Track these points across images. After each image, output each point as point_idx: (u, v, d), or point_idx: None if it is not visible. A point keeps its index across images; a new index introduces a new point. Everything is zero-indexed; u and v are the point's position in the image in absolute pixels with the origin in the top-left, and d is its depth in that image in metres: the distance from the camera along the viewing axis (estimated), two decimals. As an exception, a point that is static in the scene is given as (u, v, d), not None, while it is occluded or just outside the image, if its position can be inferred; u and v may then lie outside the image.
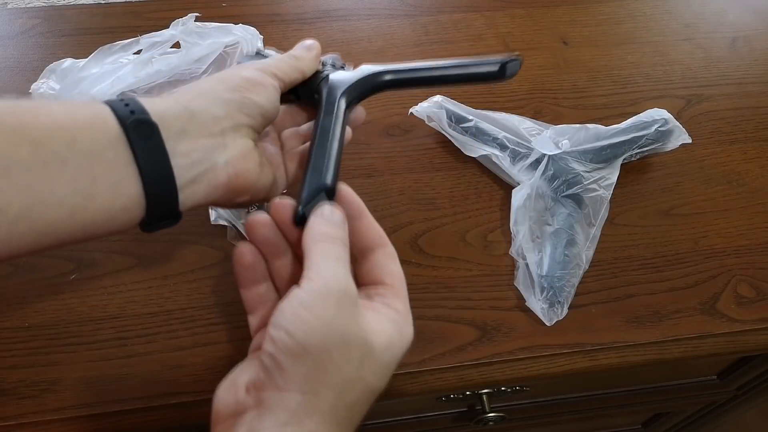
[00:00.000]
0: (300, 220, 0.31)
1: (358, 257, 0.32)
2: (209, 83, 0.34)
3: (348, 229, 0.31)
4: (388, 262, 0.32)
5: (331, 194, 0.32)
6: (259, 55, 0.44)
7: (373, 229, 0.32)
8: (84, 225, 0.28)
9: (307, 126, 0.41)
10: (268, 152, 0.39)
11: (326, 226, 0.30)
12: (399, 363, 0.30)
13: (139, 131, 0.29)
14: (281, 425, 0.26)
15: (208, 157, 0.32)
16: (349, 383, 0.28)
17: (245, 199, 0.35)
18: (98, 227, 0.29)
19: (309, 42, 0.40)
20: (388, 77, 0.40)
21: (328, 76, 0.39)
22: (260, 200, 0.37)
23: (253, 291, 0.34)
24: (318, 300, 0.28)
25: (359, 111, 0.41)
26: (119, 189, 0.29)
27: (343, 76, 0.39)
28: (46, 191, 0.27)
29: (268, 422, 0.27)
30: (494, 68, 0.39)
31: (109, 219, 0.29)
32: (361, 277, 0.32)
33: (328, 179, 0.33)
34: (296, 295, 0.28)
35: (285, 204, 0.32)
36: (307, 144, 0.40)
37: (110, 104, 0.30)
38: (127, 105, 0.30)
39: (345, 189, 0.32)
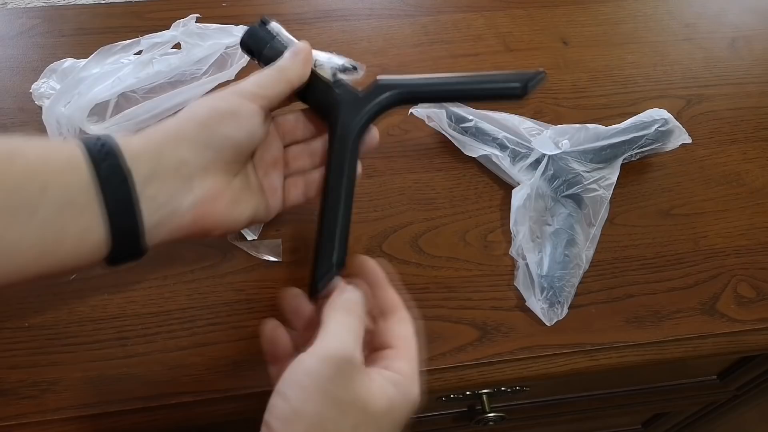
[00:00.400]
0: (314, 295, 0.35)
1: (376, 320, 0.34)
2: (179, 121, 0.33)
3: (368, 295, 0.34)
4: (398, 326, 0.33)
5: (340, 266, 0.35)
6: (263, 25, 0.40)
7: (389, 296, 0.34)
8: (50, 266, 0.29)
9: (318, 144, 0.40)
10: (263, 178, 0.38)
11: (346, 301, 0.33)
12: (403, 424, 0.31)
13: (111, 179, 0.30)
14: None
15: (173, 201, 0.32)
16: None
17: (216, 234, 0.35)
18: (64, 267, 0.30)
19: (296, 47, 0.38)
20: (405, 96, 0.38)
21: (339, 101, 0.38)
22: (237, 230, 0.38)
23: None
24: (320, 365, 0.29)
25: (373, 135, 0.40)
26: (87, 234, 0.30)
27: (356, 105, 0.38)
28: (15, 238, 0.27)
29: None
30: (516, 87, 0.37)
31: (75, 260, 0.30)
32: (373, 341, 0.34)
33: (336, 257, 0.35)
34: (301, 361, 0.29)
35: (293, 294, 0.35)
36: (316, 176, 0.39)
37: (86, 146, 0.30)
38: (102, 146, 0.30)
39: (366, 261, 0.35)
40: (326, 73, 0.39)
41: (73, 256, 0.30)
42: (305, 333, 0.34)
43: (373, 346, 0.33)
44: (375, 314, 0.34)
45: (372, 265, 0.35)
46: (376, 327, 0.34)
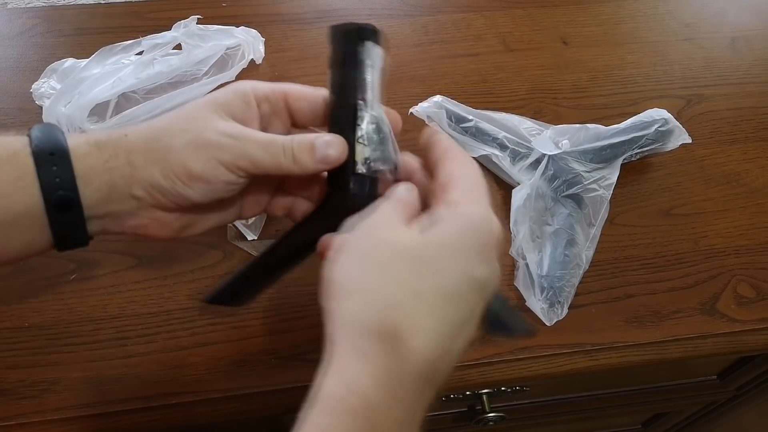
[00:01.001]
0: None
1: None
2: (147, 158, 0.31)
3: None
4: (449, 165, 0.31)
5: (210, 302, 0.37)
6: (362, 37, 0.33)
7: (438, 143, 0.33)
8: None
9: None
10: (245, 197, 0.36)
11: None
12: (465, 250, 0.28)
13: (60, 208, 0.29)
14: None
15: (118, 222, 0.32)
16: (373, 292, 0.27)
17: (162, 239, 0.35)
18: (9, 262, 0.31)
19: (332, 141, 0.32)
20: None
21: (345, 200, 0.32)
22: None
23: None
24: (354, 236, 0.29)
25: (395, 119, 0.35)
26: (33, 244, 0.30)
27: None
28: None
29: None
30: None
31: (19, 258, 0.31)
32: (433, 190, 0.32)
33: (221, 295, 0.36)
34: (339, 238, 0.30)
35: None
36: (303, 206, 0.37)
37: (37, 166, 0.29)
38: (55, 167, 0.29)
39: (429, 131, 0.34)
40: (360, 153, 0.32)
41: (22, 255, 0.31)
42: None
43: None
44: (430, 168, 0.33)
45: (427, 132, 0.33)
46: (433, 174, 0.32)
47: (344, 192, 0.32)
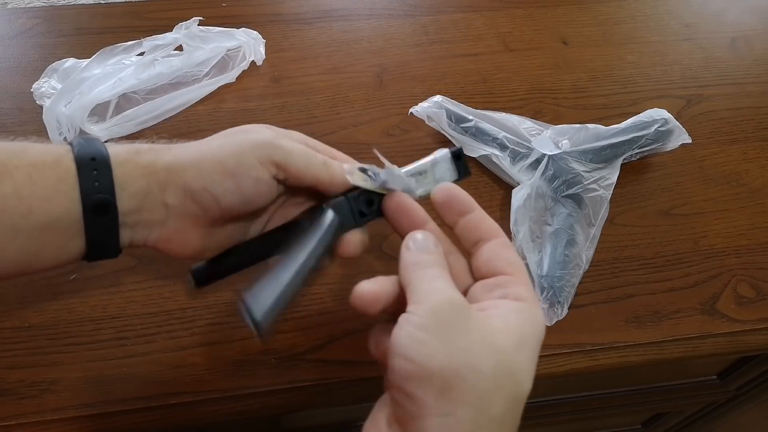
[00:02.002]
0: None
1: (472, 251, 0.32)
2: (185, 161, 0.32)
3: (461, 225, 0.32)
4: (504, 250, 0.30)
5: (259, 328, 0.29)
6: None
7: (484, 220, 0.31)
8: (30, 269, 0.31)
9: None
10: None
11: (419, 254, 0.30)
12: (538, 354, 0.28)
13: (97, 211, 0.30)
14: None
15: (146, 232, 0.32)
16: (488, 395, 0.26)
17: (185, 257, 0.34)
18: (43, 269, 0.31)
19: (342, 164, 0.34)
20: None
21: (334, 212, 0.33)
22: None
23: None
24: (430, 317, 0.26)
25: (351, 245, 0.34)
26: (65, 250, 0.31)
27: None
28: None
29: None
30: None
31: (54, 265, 0.31)
32: (478, 270, 0.31)
33: (262, 317, 0.29)
34: (407, 320, 0.27)
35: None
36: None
37: (79, 171, 0.30)
38: (95, 172, 0.30)
39: (451, 187, 0.32)
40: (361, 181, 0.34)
41: (52, 263, 0.31)
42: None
43: (478, 275, 0.31)
44: (468, 246, 0.31)
45: (458, 191, 0.32)
46: (478, 254, 0.31)
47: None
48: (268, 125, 0.35)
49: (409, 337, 0.26)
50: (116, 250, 0.32)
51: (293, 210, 0.36)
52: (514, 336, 0.27)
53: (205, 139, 0.33)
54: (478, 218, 0.32)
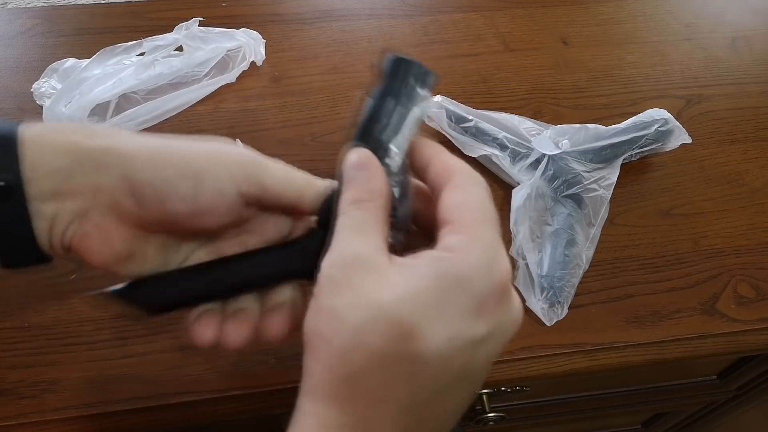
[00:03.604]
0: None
1: (434, 199, 0.28)
2: (140, 148, 0.27)
3: (428, 182, 0.28)
4: (450, 196, 0.27)
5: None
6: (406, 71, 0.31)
7: (442, 163, 0.28)
8: None
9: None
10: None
11: (347, 191, 0.27)
12: (468, 310, 0.24)
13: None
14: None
15: (66, 227, 0.28)
16: (345, 351, 0.23)
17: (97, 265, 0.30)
18: None
19: (317, 183, 0.30)
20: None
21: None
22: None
23: None
24: (324, 279, 0.25)
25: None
26: None
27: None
28: None
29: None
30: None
31: None
32: (436, 222, 0.27)
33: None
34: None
35: None
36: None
37: None
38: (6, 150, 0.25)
39: (421, 141, 0.29)
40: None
41: None
42: None
43: (437, 227, 0.27)
44: (433, 194, 0.28)
45: (422, 142, 0.29)
46: (433, 204, 0.28)
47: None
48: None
49: (309, 308, 0.25)
50: (35, 249, 0.27)
51: (252, 241, 0.32)
52: (407, 289, 0.23)
53: (177, 136, 0.29)
54: (435, 170, 0.28)
